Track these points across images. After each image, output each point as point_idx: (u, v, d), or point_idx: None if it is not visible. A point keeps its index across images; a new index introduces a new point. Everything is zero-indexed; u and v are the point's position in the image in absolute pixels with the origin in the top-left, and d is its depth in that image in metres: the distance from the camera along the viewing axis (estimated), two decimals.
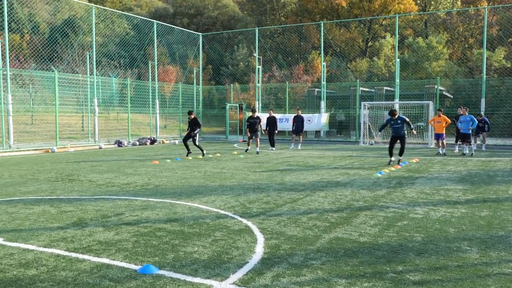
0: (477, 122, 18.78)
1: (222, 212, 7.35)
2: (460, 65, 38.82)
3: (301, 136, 22.46)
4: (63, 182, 10.48)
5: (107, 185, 10.05)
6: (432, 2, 51.29)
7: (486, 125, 20.96)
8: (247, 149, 19.60)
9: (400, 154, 14.74)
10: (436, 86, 27.71)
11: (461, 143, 18.94)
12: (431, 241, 5.77)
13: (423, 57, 36.58)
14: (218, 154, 18.19)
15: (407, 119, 14.49)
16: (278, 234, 6.03)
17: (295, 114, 22.53)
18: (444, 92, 29.11)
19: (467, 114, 18.54)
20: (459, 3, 51.56)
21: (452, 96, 31.39)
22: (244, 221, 6.74)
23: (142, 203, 8.00)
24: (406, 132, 15.07)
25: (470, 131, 18.37)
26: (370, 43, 49.58)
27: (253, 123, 19.34)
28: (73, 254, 5.06)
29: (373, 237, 5.94)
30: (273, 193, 9.13)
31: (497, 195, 9.14)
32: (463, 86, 33.08)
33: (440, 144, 18.72)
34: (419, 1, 51.12)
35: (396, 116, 14.30)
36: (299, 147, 22.11)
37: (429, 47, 36.57)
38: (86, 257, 4.97)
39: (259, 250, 5.31)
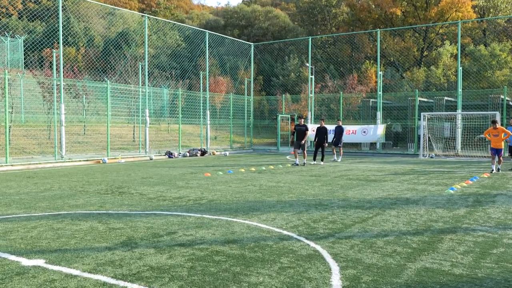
0: None
1: (285, 232, 6.55)
2: None
3: (340, 148, 21.17)
4: (113, 195, 9.99)
5: (158, 199, 9.47)
6: (491, 10, 48.88)
7: None
8: (295, 163, 18.46)
9: None
10: (502, 96, 25.97)
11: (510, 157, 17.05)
12: None
13: (485, 65, 34.61)
14: (271, 167, 17.43)
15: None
16: (355, 262, 5.17)
17: (336, 125, 21.41)
18: (510, 102, 27.26)
19: None
20: None
21: None
22: (312, 244, 5.91)
23: (196, 220, 7.33)
24: None
25: None
26: (425, 53, 47.76)
27: (299, 130, 18.37)
28: (121, 283, 4.38)
29: (469, 268, 4.97)
30: (337, 211, 8.25)
31: None
32: None
33: (497, 160, 15.98)
34: (476, 9, 48.88)
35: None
36: (339, 160, 20.83)
37: (491, 55, 34.59)
38: (135, 286, 4.29)
39: (336, 282, 4.47)
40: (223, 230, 6.67)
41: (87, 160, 19.33)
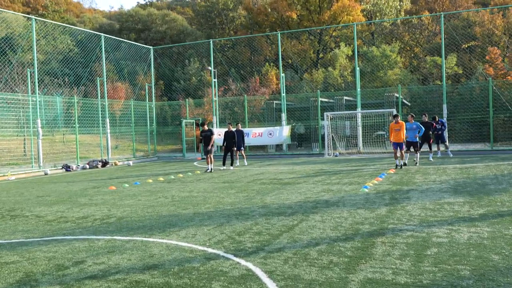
0: (423, 129, 17.65)
1: (210, 250, 5.93)
2: (414, 73, 39.03)
3: (243, 151, 20.62)
4: (4, 220, 8.68)
5: (58, 221, 8.37)
6: (378, 14, 51.88)
7: (442, 127, 20.56)
8: (207, 169, 17.89)
9: None
10: (395, 94, 27.35)
11: (407, 151, 17.56)
12: (483, 275, 4.62)
13: (377, 65, 36.44)
14: (180, 175, 16.63)
15: None
16: (293, 279, 4.70)
17: (235, 129, 20.54)
18: (403, 100, 28.83)
19: (413, 121, 17.30)
20: (402, 13, 52.46)
21: (410, 104, 31.24)
22: (242, 262, 5.36)
23: (106, 244, 6.45)
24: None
25: (417, 139, 17.44)
26: (321, 55, 49.41)
27: (205, 136, 17.90)
28: None
29: (412, 275, 4.72)
30: (260, 220, 7.78)
31: (507, 207, 8.20)
32: (417, 93, 33.07)
33: (399, 155, 16.21)
34: (365, 12, 51.60)
35: None
36: (245, 163, 20.48)
37: (383, 56, 36.50)
38: None
39: None
40: (140, 253, 5.89)
41: None
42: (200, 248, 6.06)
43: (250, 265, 5.20)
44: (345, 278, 4.69)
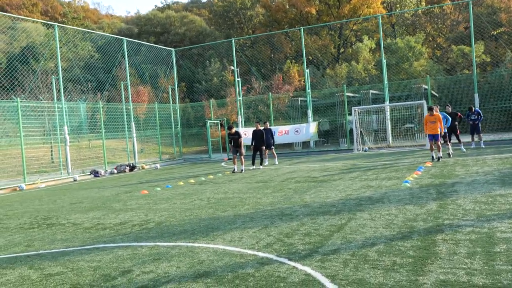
0: (450, 119, 17.23)
1: (261, 254, 5.61)
2: (440, 63, 38.15)
3: (273, 150, 20.19)
4: (41, 229, 8.50)
5: (96, 228, 8.15)
6: (398, 5, 51.00)
7: (478, 116, 19.94)
8: (234, 170, 17.68)
9: None
10: (424, 86, 26.70)
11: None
12: None
13: (402, 57, 35.69)
14: (211, 176, 16.37)
15: None
16: (359, 284, 4.34)
17: (262, 127, 20.12)
18: (431, 91, 28.12)
19: (438, 112, 16.92)
20: (423, 3, 51.39)
21: (438, 95, 30.49)
22: (299, 266, 5.02)
23: (150, 251, 6.18)
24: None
25: (446, 129, 16.88)
26: (342, 49, 48.75)
27: (233, 139, 17.70)
28: None
29: (488, 275, 4.31)
30: (305, 220, 7.44)
31: None
32: (444, 83, 32.26)
33: (435, 147, 15.68)
34: (385, 4, 50.76)
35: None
36: (276, 162, 20.04)
37: (407, 47, 35.74)
38: None
39: None
40: (188, 260, 5.60)
41: (1, 189, 17.19)
42: (250, 252, 5.74)
43: (308, 270, 4.86)
44: (415, 280, 4.32)
